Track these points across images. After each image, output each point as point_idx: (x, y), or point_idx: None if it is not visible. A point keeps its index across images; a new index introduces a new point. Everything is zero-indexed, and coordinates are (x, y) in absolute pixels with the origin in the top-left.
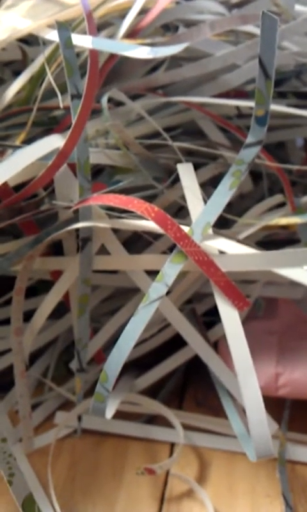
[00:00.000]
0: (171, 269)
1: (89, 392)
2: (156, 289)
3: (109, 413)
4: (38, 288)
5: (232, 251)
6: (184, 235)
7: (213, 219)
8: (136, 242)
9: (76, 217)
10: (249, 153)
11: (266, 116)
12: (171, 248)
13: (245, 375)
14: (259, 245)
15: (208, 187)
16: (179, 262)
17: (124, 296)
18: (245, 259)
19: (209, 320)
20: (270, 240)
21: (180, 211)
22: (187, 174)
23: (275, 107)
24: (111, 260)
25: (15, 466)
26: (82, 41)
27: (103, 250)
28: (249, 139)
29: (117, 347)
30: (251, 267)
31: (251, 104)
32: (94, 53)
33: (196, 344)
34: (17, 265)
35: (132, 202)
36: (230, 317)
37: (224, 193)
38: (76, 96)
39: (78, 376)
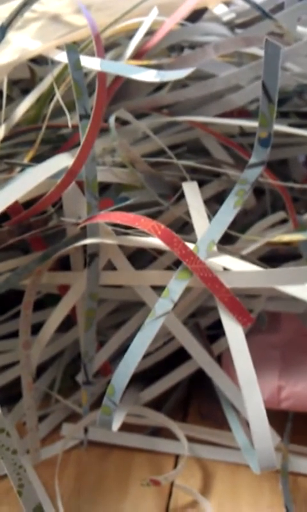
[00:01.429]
0: (176, 285)
1: (96, 404)
2: (162, 305)
3: (116, 425)
4: (46, 302)
5: (236, 268)
6: (190, 252)
7: (217, 237)
8: (141, 256)
9: (83, 234)
10: (253, 173)
11: (269, 138)
12: (176, 263)
13: (249, 388)
14: (262, 260)
15: (213, 203)
16: (184, 279)
17: (130, 309)
18: (249, 276)
19: (213, 333)
20: (273, 256)
21: (184, 227)
22: (192, 193)
23: (278, 127)
24: (118, 276)
25: (24, 477)
26: (91, 63)
27: (109, 265)
28: (253, 159)
29: (124, 361)
30: (254, 284)
31: (253, 123)
32: (102, 75)
33: (200, 358)
34: (26, 280)
35: (139, 220)
36: (234, 332)
37: (229, 212)
38: (84, 116)
39: (84, 388)
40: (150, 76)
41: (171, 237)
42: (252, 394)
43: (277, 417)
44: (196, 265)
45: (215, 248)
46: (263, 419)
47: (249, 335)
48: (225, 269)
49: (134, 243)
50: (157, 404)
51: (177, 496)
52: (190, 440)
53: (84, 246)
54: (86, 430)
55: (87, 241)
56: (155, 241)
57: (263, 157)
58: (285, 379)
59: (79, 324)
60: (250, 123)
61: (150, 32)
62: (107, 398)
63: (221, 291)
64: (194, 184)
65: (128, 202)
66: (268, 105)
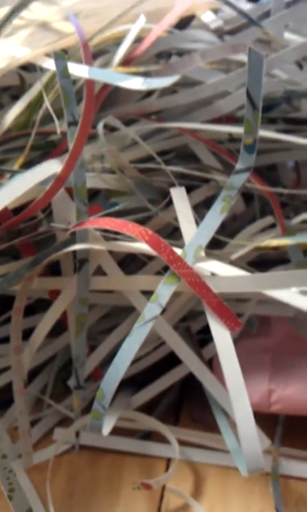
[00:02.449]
0: (164, 290)
1: (87, 409)
2: (150, 309)
3: (106, 429)
4: (36, 307)
5: (223, 273)
6: (177, 257)
7: (205, 242)
8: (131, 262)
9: (73, 239)
10: (239, 179)
11: (254, 143)
12: (165, 268)
13: (237, 393)
14: (250, 265)
15: (201, 208)
16: (172, 283)
17: (120, 314)
18: (236, 281)
19: (204, 338)
20: (262, 261)
21: (174, 232)
22: (179, 198)
23: (265, 133)
24: (107, 281)
25: (15, 482)
26: (79, 70)
27: (99, 270)
28: (239, 165)
29: (113, 365)
30: (241, 289)
31: (241, 129)
32: (90, 83)
33: (190, 362)
34: (16, 285)
35: (127, 226)
36: (222, 337)
37: (216, 217)
38: (72, 123)
39: (76, 393)
40: (137, 84)
41: (159, 243)
42: (239, 398)
43: (267, 420)
44: (183, 270)
45: (202, 253)
46: (251, 423)
47: (239, 339)
48: (213, 273)
49: (122, 248)
50: (148, 408)
51: (168, 499)
52: (182, 443)
53: (74, 252)
54: (77, 434)
55: (77, 247)
56: (143, 247)
57: (250, 163)
58: (275, 382)
59: (70, 329)
60: (237, 129)
61: (138, 40)
62: (97, 402)
63: (209, 296)
64: (182, 190)
65: (117, 208)
66: (252, 112)
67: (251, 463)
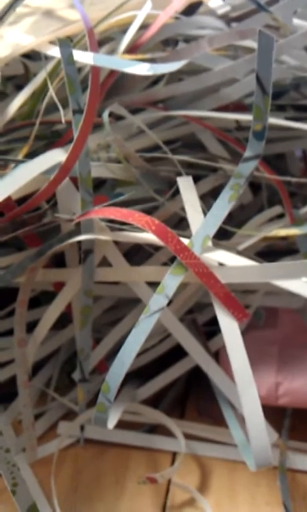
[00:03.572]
0: (171, 280)
1: (92, 402)
2: (156, 301)
3: (111, 423)
4: (41, 299)
5: (231, 263)
6: (184, 247)
7: (212, 231)
8: (137, 253)
9: (78, 230)
10: (247, 167)
11: (264, 130)
12: (172, 259)
13: (245, 386)
14: (258, 256)
15: (208, 198)
16: (179, 274)
17: (126, 306)
18: (244, 271)
19: (210, 330)
20: (270, 251)
21: (180, 222)
22: (187, 188)
23: (274, 121)
24: (113, 272)
25: (18, 476)
26: (84, 57)
27: (105, 261)
28: (247, 153)
29: (118, 358)
30: (249, 279)
31: (249, 117)
32: (95, 69)
33: (197, 354)
34: (20, 277)
35: (133, 215)
36: (230, 328)
37: (223, 206)
38: (77, 111)
39: (80, 386)
40: (143, 69)
41: (165, 232)
42: (248, 391)
43: (275, 413)
44: (190, 260)
45: (210, 243)
46: (259, 416)
47: (246, 331)
48: (220, 264)
49: (128, 239)
50: (154, 401)
51: (174, 493)
52: (188, 437)
53: (79, 243)
54: (82, 428)
55: (82, 237)
56: (149, 237)
57: (258, 150)
58: (283, 375)
59: (75, 321)
60: (245, 117)
61: (144, 26)
62: (102, 396)
63: (216, 286)
64: (189, 179)
65: (122, 198)
66: (262, 97)
67: (259, 458)
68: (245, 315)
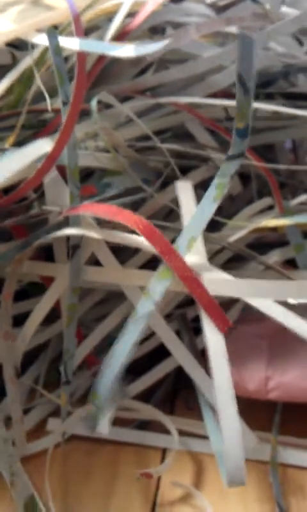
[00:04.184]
0: (157, 285)
1: (84, 397)
2: (144, 305)
3: (104, 427)
4: (29, 291)
5: (206, 276)
6: (170, 249)
7: (198, 232)
8: (126, 248)
9: (66, 223)
10: (232, 166)
11: (247, 128)
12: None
13: (224, 400)
14: (249, 247)
15: (199, 190)
16: (166, 278)
17: (115, 300)
18: (218, 284)
19: (200, 325)
20: (260, 243)
21: (170, 214)
22: (185, 193)
23: (264, 106)
24: (101, 272)
25: (16, 467)
26: (69, 43)
27: (94, 257)
28: (231, 151)
29: (107, 365)
30: (221, 293)
31: None
32: (82, 56)
33: (180, 355)
34: (5, 268)
35: (122, 213)
36: (214, 336)
37: (209, 206)
38: (66, 103)
39: (63, 389)
40: (129, 51)
41: (153, 232)
42: (226, 405)
43: (265, 408)
44: (175, 263)
45: (196, 245)
46: (237, 437)
47: (236, 325)
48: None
49: (115, 239)
50: (142, 397)
51: (164, 490)
52: (179, 432)
53: (68, 237)
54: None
55: (68, 232)
56: (136, 239)
57: (242, 149)
58: (272, 369)
59: (63, 317)
60: (234, 103)
61: (131, 14)
62: (92, 403)
63: (200, 292)
64: (188, 184)
65: (112, 193)
66: (244, 95)
67: (232, 476)
68: (228, 325)
